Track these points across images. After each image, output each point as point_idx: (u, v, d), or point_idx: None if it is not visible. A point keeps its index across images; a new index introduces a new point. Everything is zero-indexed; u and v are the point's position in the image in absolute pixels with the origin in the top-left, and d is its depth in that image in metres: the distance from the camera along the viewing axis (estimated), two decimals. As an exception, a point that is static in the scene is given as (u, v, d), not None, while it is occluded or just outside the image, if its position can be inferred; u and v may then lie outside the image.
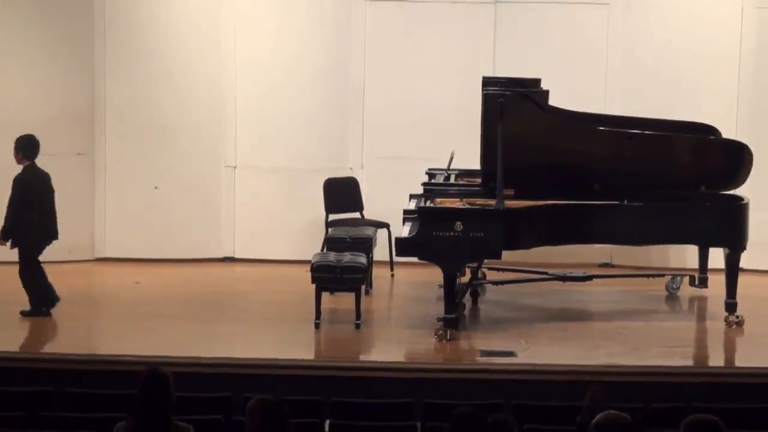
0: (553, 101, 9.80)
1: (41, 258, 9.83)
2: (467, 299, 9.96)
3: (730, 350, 9.59)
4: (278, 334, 9.45)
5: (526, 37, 11.68)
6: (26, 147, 9.87)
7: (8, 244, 9.77)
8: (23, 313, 9.77)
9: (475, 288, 10.23)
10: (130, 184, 11.90)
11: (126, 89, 11.85)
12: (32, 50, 11.66)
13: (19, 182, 9.84)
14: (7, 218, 9.80)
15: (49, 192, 9.95)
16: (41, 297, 9.85)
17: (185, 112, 11.86)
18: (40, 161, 11.03)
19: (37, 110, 11.57)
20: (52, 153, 11.44)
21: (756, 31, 11.65)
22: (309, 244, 10.87)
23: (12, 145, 10.97)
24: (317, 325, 9.35)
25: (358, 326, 9.43)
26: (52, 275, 10.95)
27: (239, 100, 11.90)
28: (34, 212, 9.80)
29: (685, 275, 10.72)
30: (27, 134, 10.00)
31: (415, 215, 9.34)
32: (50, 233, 9.89)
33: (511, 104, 9.35)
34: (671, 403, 6.69)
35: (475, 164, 9.96)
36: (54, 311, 10.01)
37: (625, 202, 9.51)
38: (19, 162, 9.87)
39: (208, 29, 11.84)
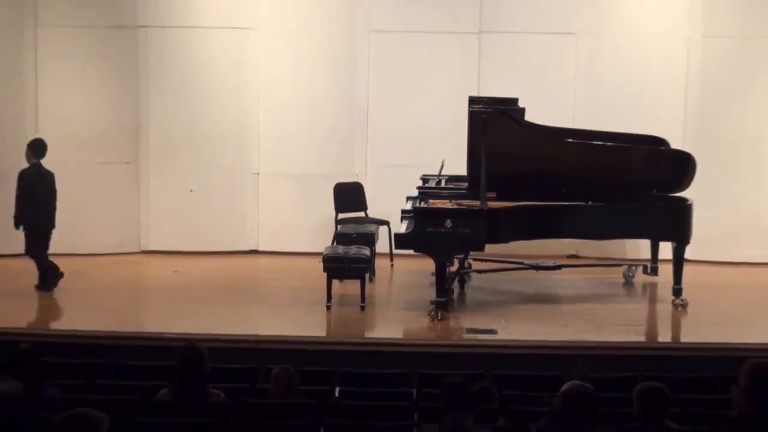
0: (528, 117, 9.82)
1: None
2: (455, 285, 9.95)
3: (676, 328, 9.59)
4: (295, 315, 9.45)
5: (506, 63, 11.65)
6: (37, 148, 9.91)
7: (21, 228, 9.82)
8: (37, 288, 9.90)
9: (462, 276, 10.24)
10: (169, 188, 11.89)
11: (165, 108, 11.83)
12: (90, 78, 11.71)
13: (22, 176, 9.90)
14: (16, 207, 9.83)
15: (50, 187, 9.90)
16: (48, 275, 9.92)
17: (215, 127, 11.84)
18: (95, 168, 11.20)
19: (92, 127, 11.68)
20: (105, 162, 11.60)
21: (700, 57, 11.63)
22: (321, 239, 10.87)
23: (73, 154, 11.26)
24: (328, 307, 9.37)
25: (362, 308, 9.44)
26: (105, 266, 11.18)
27: (261, 116, 11.88)
28: (35, 203, 9.81)
29: (639, 265, 10.76)
30: (38, 137, 10.10)
31: (411, 214, 9.31)
32: (49, 222, 9.89)
33: (493, 120, 9.35)
34: (626, 373, 6.69)
35: (462, 170, 9.96)
36: (106, 295, 10.11)
37: (589, 203, 9.52)
38: (28, 160, 9.91)
39: (236, 57, 11.83)
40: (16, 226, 9.84)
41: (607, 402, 5.52)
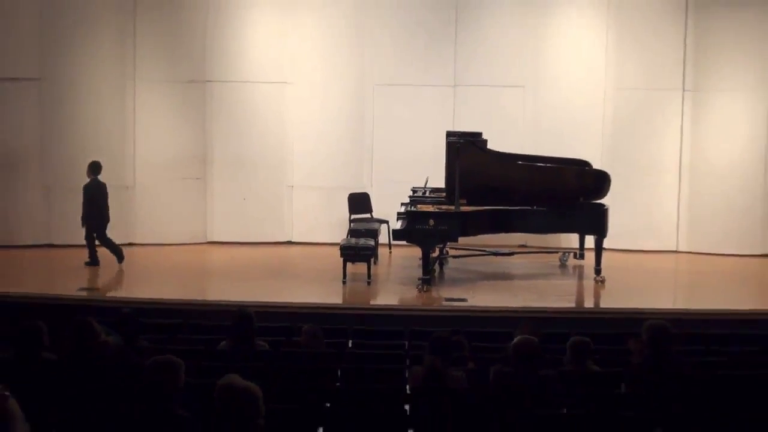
0: (490, 146, 9.87)
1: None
2: (436, 267, 9.92)
3: (597, 297, 9.58)
4: (319, 288, 9.46)
5: (474, 107, 11.54)
6: (94, 168, 10.04)
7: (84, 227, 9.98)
8: (86, 263, 10.00)
9: (442, 260, 10.22)
10: (227, 196, 11.79)
11: (225, 140, 11.77)
12: (173, 118, 11.63)
13: (85, 189, 10.00)
14: (83, 211, 9.94)
15: (104, 194, 10.03)
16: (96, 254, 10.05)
17: (261, 153, 11.75)
18: (176, 182, 11.41)
19: (175, 153, 11.63)
20: (184, 177, 11.63)
21: (613, 104, 11.59)
22: (338, 233, 10.80)
23: (162, 172, 11.42)
24: (344, 283, 9.36)
25: (369, 283, 9.45)
26: (181, 252, 11.17)
27: (295, 146, 11.80)
28: (95, 206, 9.91)
29: (570, 252, 10.75)
30: (95, 160, 10.15)
31: (405, 215, 9.37)
32: (104, 219, 9.99)
33: (464, 148, 9.39)
34: (561, 330, 6.69)
35: (441, 184, 9.97)
36: (182, 273, 10.18)
37: (534, 207, 9.51)
38: (88, 176, 10.00)
39: (276, 103, 11.76)
40: (82, 224, 9.95)
41: (547, 351, 5.49)
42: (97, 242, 10.03)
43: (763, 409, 4.78)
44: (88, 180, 10.01)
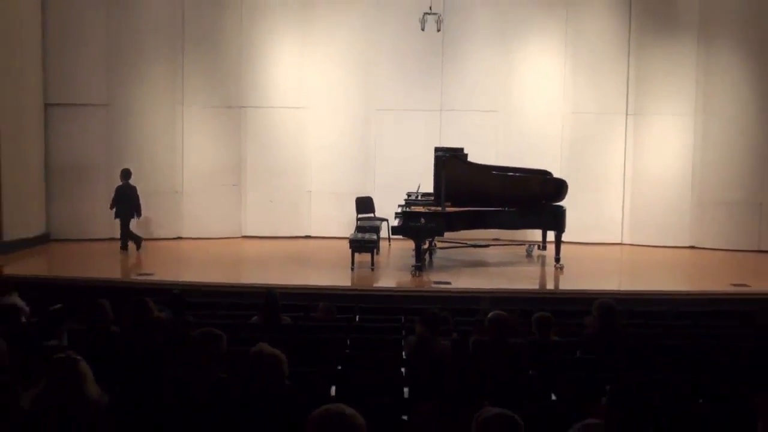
0: (470, 159, 9.87)
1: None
2: (427, 256, 9.88)
3: (556, 281, 9.50)
4: (332, 273, 9.40)
5: (457, 128, 11.49)
6: (124, 173, 10.24)
7: (117, 220, 10.16)
8: (121, 248, 10.22)
9: (431, 250, 10.17)
10: (258, 199, 11.75)
11: (256, 153, 11.72)
12: (214, 137, 11.62)
13: (116, 190, 10.18)
14: (112, 206, 10.16)
15: (131, 196, 10.13)
16: (127, 242, 10.21)
17: (286, 164, 11.70)
18: (217, 188, 11.47)
19: (215, 164, 11.62)
20: (222, 184, 11.64)
21: (570, 125, 11.59)
22: (348, 229, 10.73)
23: (205, 179, 11.39)
24: (352, 269, 9.31)
25: (372, 269, 9.40)
26: (218, 246, 11.11)
27: (313, 158, 11.77)
28: (123, 204, 10.11)
29: (535, 244, 10.69)
30: (126, 167, 10.33)
31: (401, 215, 9.34)
32: (131, 215, 10.17)
33: (449, 161, 9.37)
34: (527, 307, 6.66)
35: (431, 189, 9.92)
36: (220, 261, 10.12)
37: (506, 208, 9.48)
38: (121, 180, 10.17)
39: (298, 124, 11.73)
40: (114, 216, 10.21)
41: (517, 324, 5.47)
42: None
43: (690, 369, 4.78)
44: (120, 183, 10.17)
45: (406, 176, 10.87)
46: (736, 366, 4.83)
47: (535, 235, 10.86)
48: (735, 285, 8.79)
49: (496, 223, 9.70)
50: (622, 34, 11.46)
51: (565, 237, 9.80)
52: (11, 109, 10.19)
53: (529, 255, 10.63)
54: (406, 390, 4.44)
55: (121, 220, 10.20)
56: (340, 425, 2.14)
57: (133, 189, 10.19)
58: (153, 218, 11.16)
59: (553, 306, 7.03)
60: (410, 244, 9.49)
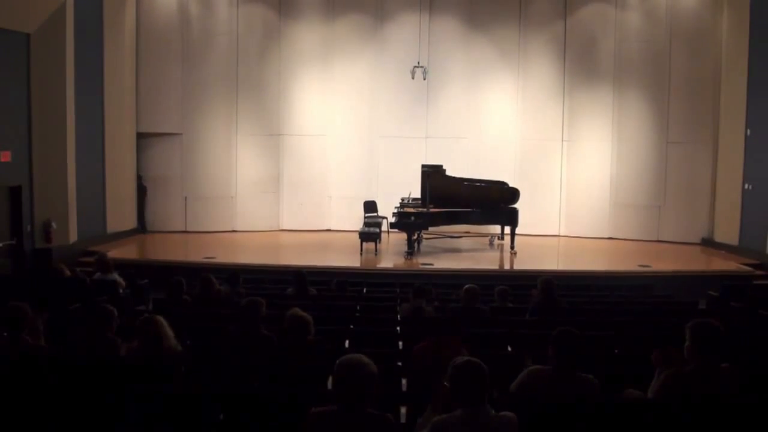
0: (448, 173, 9.81)
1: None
2: (416, 245, 9.77)
3: (512, 263, 9.41)
4: (346, 257, 9.32)
5: (437, 150, 11.37)
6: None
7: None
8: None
9: (419, 240, 10.06)
10: (291, 202, 11.64)
11: (290, 169, 11.62)
12: (260, 158, 11.48)
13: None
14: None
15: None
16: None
17: (311, 177, 11.60)
18: (259, 195, 11.07)
19: (257, 175, 11.50)
20: (264, 191, 11.48)
21: (521, 147, 11.46)
22: (357, 224, 10.69)
23: (251, 188, 11.14)
24: (361, 254, 9.27)
25: (375, 254, 9.34)
26: (262, 236, 10.99)
27: (332, 173, 11.66)
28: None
29: (496, 236, 10.62)
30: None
31: (396, 214, 9.28)
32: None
33: (432, 174, 9.40)
34: (490, 283, 6.60)
35: (418, 195, 9.82)
36: (263, 248, 9.98)
37: (473, 209, 9.45)
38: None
39: (320, 148, 11.62)
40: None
41: (482, 296, 5.46)
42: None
43: (608, 327, 4.77)
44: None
45: (401, 185, 10.80)
46: (640, 325, 4.82)
47: (496, 229, 10.80)
48: (641, 266, 8.77)
49: (467, 220, 9.66)
50: (559, 81, 11.42)
51: (518, 230, 9.78)
52: (115, 137, 10.23)
53: (491, 244, 10.57)
54: (400, 343, 4.42)
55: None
56: (359, 369, 2.21)
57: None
58: (213, 216, 11.15)
59: (509, 281, 7.00)
60: (403, 236, 9.46)
